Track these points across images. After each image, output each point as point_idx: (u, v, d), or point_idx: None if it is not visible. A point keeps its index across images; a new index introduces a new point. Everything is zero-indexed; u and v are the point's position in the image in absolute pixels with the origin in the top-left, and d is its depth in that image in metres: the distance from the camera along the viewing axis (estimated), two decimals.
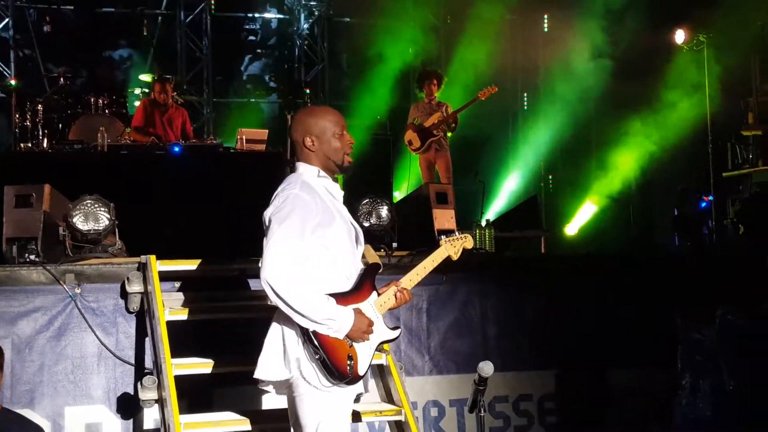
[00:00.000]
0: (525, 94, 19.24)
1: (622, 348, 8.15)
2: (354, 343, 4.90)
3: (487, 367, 5.24)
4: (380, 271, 5.24)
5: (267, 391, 5.22)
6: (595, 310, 8.19)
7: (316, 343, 4.81)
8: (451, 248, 5.47)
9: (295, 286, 4.74)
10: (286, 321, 4.87)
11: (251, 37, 19.52)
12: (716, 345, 7.59)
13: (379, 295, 5.10)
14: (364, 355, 4.95)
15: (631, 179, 16.55)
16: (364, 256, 5.36)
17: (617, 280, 8.35)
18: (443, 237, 5.53)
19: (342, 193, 5.27)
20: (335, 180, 5.27)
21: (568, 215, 17.32)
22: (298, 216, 4.87)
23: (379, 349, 5.21)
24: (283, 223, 4.85)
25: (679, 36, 15.74)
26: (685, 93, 15.55)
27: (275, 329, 5.04)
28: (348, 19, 19.34)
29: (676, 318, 7.96)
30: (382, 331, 5.08)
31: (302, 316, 4.75)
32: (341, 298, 4.91)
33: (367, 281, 5.09)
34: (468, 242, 5.56)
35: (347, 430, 4.99)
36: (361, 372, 4.92)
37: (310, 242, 4.89)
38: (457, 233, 5.55)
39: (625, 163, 16.36)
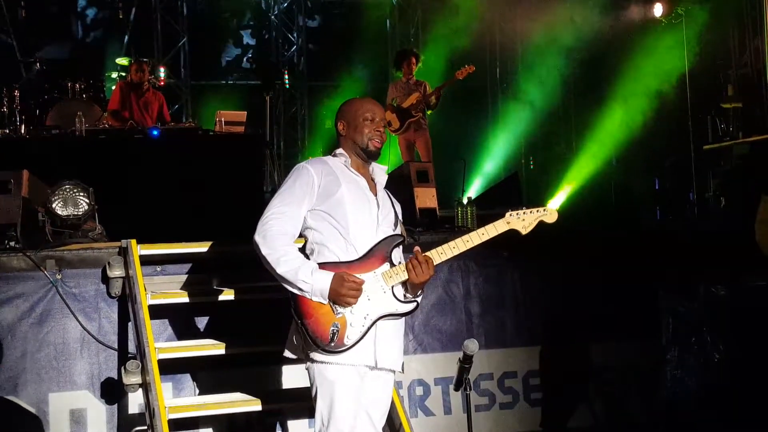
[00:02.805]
0: (504, 72, 19.19)
1: (607, 323, 8.16)
2: (344, 312, 4.90)
3: (472, 345, 5.25)
4: (402, 242, 5.19)
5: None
6: (578, 286, 8.19)
7: (297, 308, 4.92)
8: (517, 222, 5.24)
9: (276, 247, 4.93)
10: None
11: (228, 19, 19.39)
12: (701, 318, 7.61)
13: (393, 266, 5.07)
14: (356, 324, 4.92)
15: (611, 154, 16.54)
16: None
17: (600, 256, 8.34)
18: (510, 210, 5.28)
19: (384, 177, 5.47)
20: (366, 162, 5.38)
21: (550, 192, 17.31)
22: (295, 184, 5.12)
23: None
24: (279, 189, 5.14)
25: (658, 9, 15.73)
26: (664, 66, 15.54)
27: None
28: None
29: (659, 292, 7.97)
30: (385, 303, 5.01)
31: (281, 278, 4.91)
32: (337, 266, 4.96)
33: (380, 251, 5.06)
34: (549, 216, 5.30)
35: (348, 404, 4.98)
36: (347, 342, 4.90)
37: (311, 209, 5.11)
38: (544, 205, 5.34)
39: (606, 138, 16.35)
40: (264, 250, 4.92)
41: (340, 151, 5.33)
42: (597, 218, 14.37)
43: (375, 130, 5.29)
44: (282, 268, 4.87)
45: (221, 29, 19.19)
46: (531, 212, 5.28)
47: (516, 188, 12.86)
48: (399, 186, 9.23)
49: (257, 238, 4.96)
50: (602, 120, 16.34)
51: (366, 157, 5.33)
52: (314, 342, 4.88)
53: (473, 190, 16.12)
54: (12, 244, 7.03)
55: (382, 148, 5.38)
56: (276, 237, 4.94)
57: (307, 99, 18.75)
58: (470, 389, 5.40)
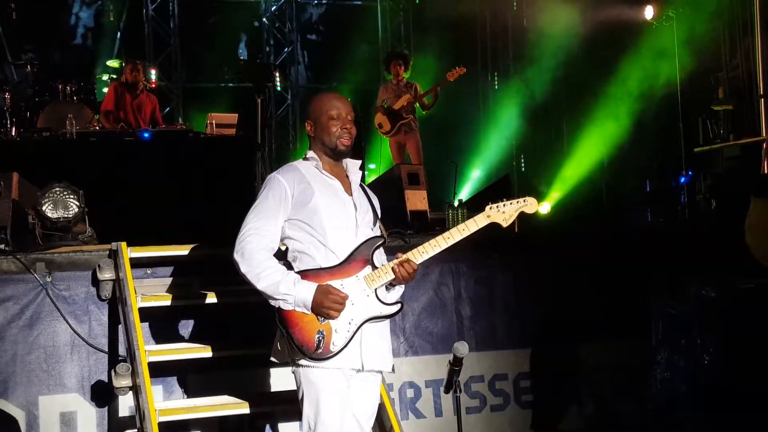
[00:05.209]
0: (495, 73, 19.19)
1: (597, 325, 8.18)
2: (329, 319, 4.88)
3: (462, 347, 5.24)
4: (383, 244, 5.15)
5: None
6: (569, 288, 8.19)
7: (282, 318, 4.91)
8: (498, 214, 5.22)
9: (254, 264, 4.90)
10: None
11: (219, 21, 19.35)
12: (690, 320, 7.60)
13: (375, 269, 5.05)
14: (341, 330, 4.91)
15: (603, 157, 16.55)
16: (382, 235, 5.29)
17: (591, 257, 8.35)
18: (489, 203, 5.25)
19: (359, 173, 5.34)
20: (338, 161, 5.28)
21: (541, 194, 17.30)
22: (268, 197, 5.05)
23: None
24: (254, 204, 5.07)
25: (649, 12, 15.75)
26: (656, 69, 15.56)
27: None
28: (315, 0, 19.27)
29: (650, 294, 7.97)
30: (370, 306, 5.00)
31: (264, 292, 4.90)
32: (318, 273, 4.95)
33: (361, 255, 5.03)
34: (529, 206, 5.28)
35: (334, 407, 4.96)
36: (333, 348, 4.89)
37: (288, 219, 5.06)
38: (521, 198, 5.29)
39: (597, 140, 16.35)
40: (243, 268, 4.91)
41: (311, 154, 5.25)
42: (588, 220, 14.40)
43: (342, 128, 5.17)
44: (263, 283, 4.86)
45: (213, 31, 19.15)
46: (511, 204, 5.27)
47: (507, 190, 12.84)
48: (390, 188, 9.25)
49: (236, 256, 4.94)
50: (593, 122, 16.35)
51: (336, 157, 5.24)
52: (300, 350, 4.87)
53: (464, 192, 16.12)
54: (2, 246, 7.01)
55: (351, 145, 5.24)
56: (254, 253, 4.92)
57: (298, 101, 18.74)
58: (460, 391, 5.39)
